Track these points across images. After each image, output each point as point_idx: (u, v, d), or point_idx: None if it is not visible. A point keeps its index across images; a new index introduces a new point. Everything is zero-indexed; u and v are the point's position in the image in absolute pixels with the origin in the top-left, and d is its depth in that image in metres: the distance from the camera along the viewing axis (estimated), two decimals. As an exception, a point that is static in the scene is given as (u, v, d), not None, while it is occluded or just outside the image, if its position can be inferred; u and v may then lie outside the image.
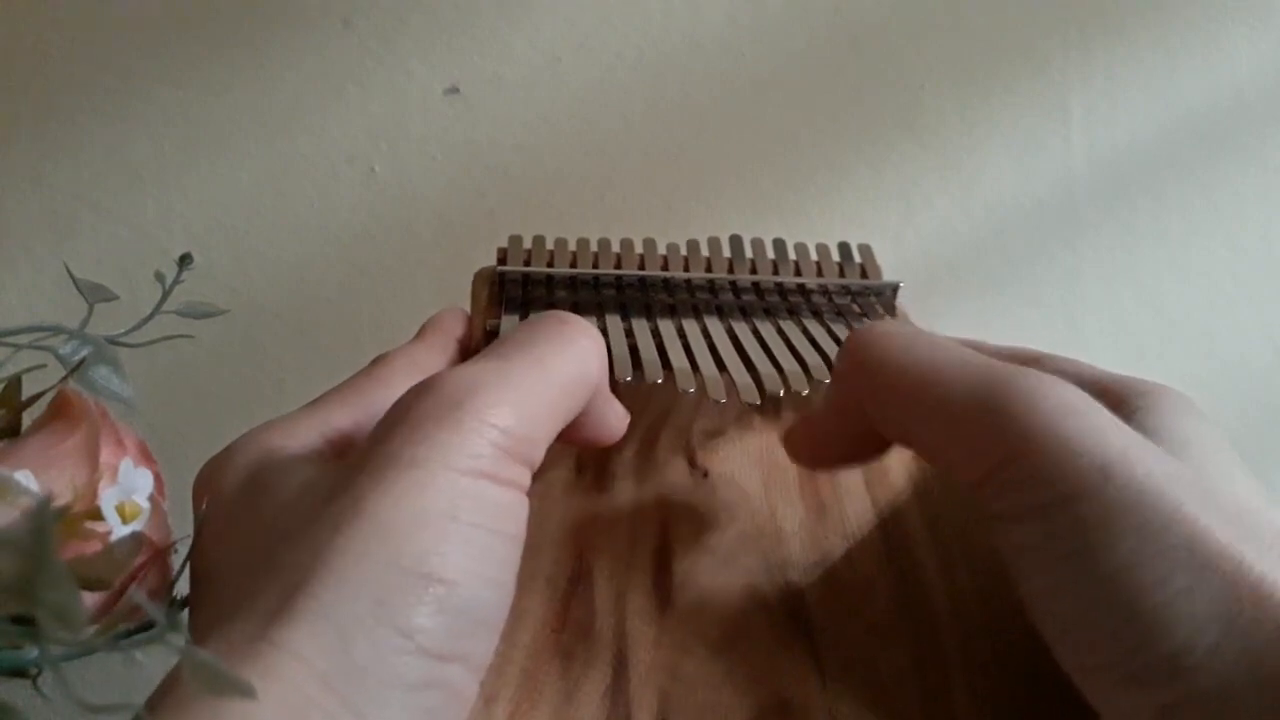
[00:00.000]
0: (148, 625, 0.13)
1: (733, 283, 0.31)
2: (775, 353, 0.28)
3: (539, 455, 0.19)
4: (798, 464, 0.25)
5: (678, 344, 0.28)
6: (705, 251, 0.32)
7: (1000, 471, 0.19)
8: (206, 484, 0.21)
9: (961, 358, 0.20)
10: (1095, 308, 0.45)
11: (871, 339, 0.22)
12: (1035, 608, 0.19)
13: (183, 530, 0.22)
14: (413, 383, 0.24)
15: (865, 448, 0.23)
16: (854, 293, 0.32)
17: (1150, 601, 0.17)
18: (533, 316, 0.22)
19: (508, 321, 0.28)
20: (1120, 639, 0.17)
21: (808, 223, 0.44)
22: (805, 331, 0.30)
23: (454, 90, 0.42)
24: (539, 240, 0.32)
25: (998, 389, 0.19)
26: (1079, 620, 0.18)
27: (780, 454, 0.26)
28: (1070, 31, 0.43)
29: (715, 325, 0.29)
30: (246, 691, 0.13)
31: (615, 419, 0.23)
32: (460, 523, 0.17)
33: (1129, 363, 0.45)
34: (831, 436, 0.24)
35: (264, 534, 0.18)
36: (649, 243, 0.32)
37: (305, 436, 0.21)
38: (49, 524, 0.11)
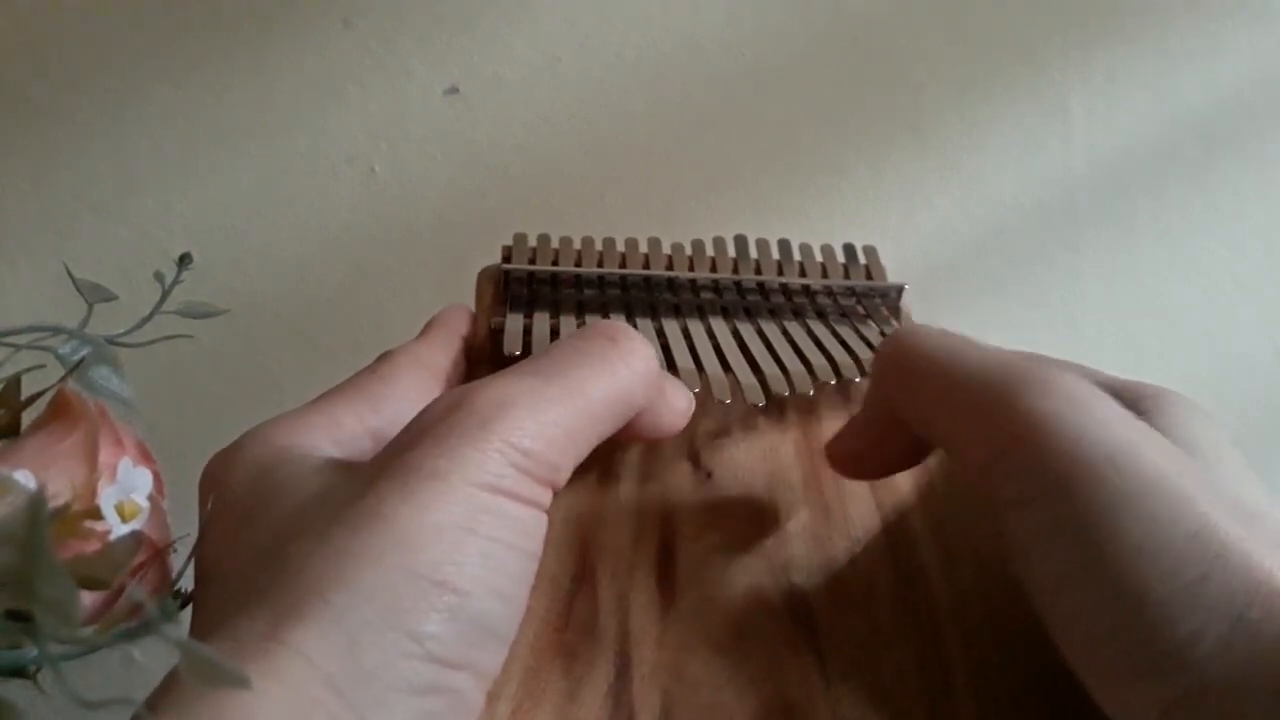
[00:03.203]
0: (146, 622, 0.13)
1: (737, 283, 0.31)
2: (780, 354, 0.28)
3: (562, 479, 0.19)
4: (842, 474, 0.25)
5: (682, 344, 0.28)
6: (710, 251, 0.32)
7: (1008, 454, 0.19)
8: (213, 480, 0.21)
9: (984, 350, 0.21)
10: (1095, 308, 0.45)
11: (903, 334, 0.22)
12: (1042, 599, 0.19)
13: (182, 529, 0.22)
14: (419, 380, 0.24)
15: (904, 451, 0.23)
16: (859, 294, 0.32)
17: (1159, 593, 0.17)
18: (585, 328, 0.22)
19: (512, 320, 0.28)
20: (1127, 631, 0.17)
21: (808, 223, 0.44)
22: (810, 333, 0.30)
23: (454, 90, 0.42)
24: (544, 239, 0.31)
25: (1013, 375, 0.19)
26: (1086, 611, 0.18)
27: (784, 454, 0.26)
28: (1070, 32, 0.43)
29: (720, 326, 0.29)
30: (242, 683, 0.13)
31: (673, 414, 0.23)
32: (478, 535, 0.17)
33: (1129, 363, 0.45)
34: (870, 440, 0.24)
35: (275, 532, 0.18)
36: (654, 242, 0.32)
37: (313, 434, 0.21)
38: (44, 517, 0.11)
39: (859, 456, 0.24)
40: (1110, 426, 0.18)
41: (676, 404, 0.23)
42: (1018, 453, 0.19)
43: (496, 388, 0.19)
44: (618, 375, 0.21)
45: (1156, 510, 0.17)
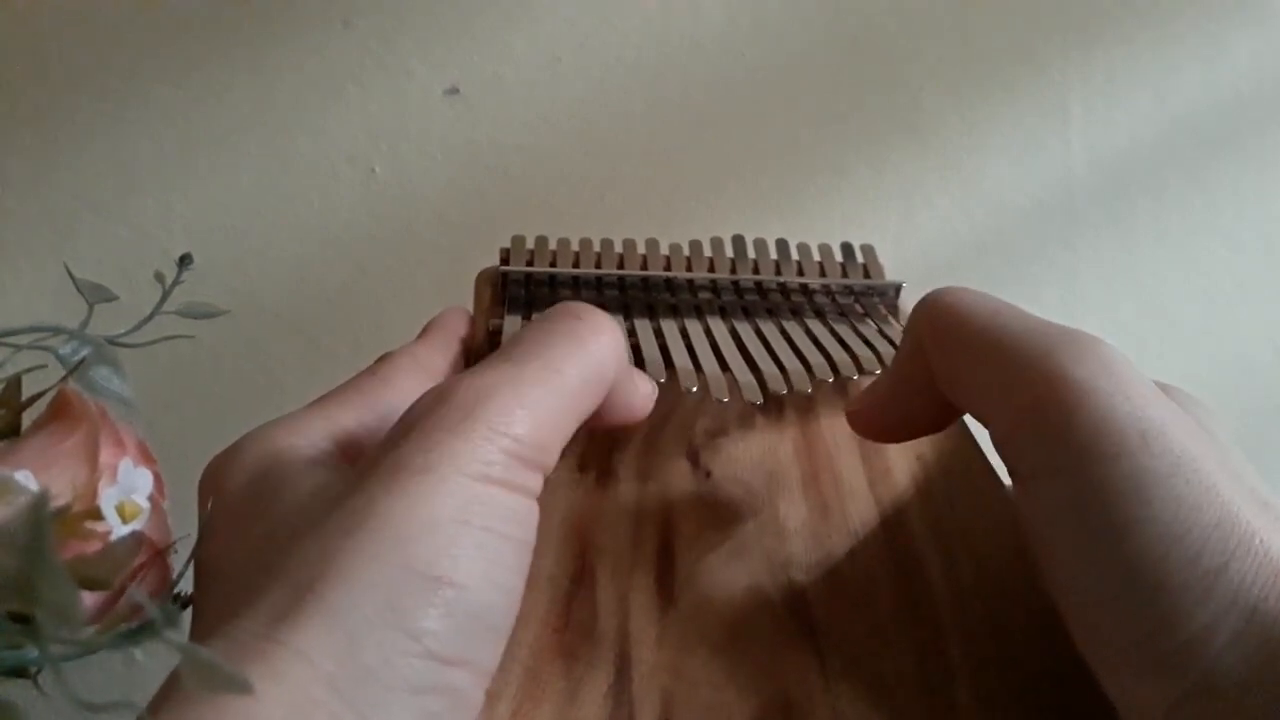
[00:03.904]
0: (148, 625, 0.13)
1: (735, 283, 0.31)
2: (778, 352, 0.28)
3: (552, 461, 0.19)
4: (862, 435, 0.24)
5: (680, 344, 0.28)
6: (708, 251, 0.32)
7: (1034, 419, 0.18)
8: (212, 482, 0.21)
9: (1025, 314, 0.21)
10: (1094, 308, 0.45)
11: (944, 290, 0.22)
12: (1057, 583, 0.19)
13: (183, 530, 0.22)
14: (417, 382, 0.24)
15: (928, 414, 0.23)
16: (857, 293, 0.32)
17: (1177, 580, 0.16)
18: (549, 311, 0.22)
19: (510, 322, 0.28)
20: (1141, 620, 0.17)
21: (807, 223, 0.44)
22: (808, 331, 0.30)
23: (454, 90, 0.42)
24: (542, 240, 0.32)
25: (1048, 338, 0.19)
26: (1101, 596, 0.17)
27: (783, 453, 0.26)
28: (1070, 32, 0.43)
29: (718, 325, 0.29)
30: (243, 688, 0.13)
31: (640, 398, 0.23)
32: (472, 527, 0.17)
33: (1129, 363, 0.45)
34: (894, 402, 0.23)
35: (272, 534, 0.18)
36: (652, 243, 0.32)
37: (312, 436, 0.21)
38: (46, 519, 0.11)
39: (881, 419, 0.24)
40: (1145, 401, 0.18)
41: (642, 385, 0.23)
42: (1044, 418, 0.18)
43: (475, 378, 0.19)
44: (589, 349, 0.21)
45: (1184, 493, 0.17)
